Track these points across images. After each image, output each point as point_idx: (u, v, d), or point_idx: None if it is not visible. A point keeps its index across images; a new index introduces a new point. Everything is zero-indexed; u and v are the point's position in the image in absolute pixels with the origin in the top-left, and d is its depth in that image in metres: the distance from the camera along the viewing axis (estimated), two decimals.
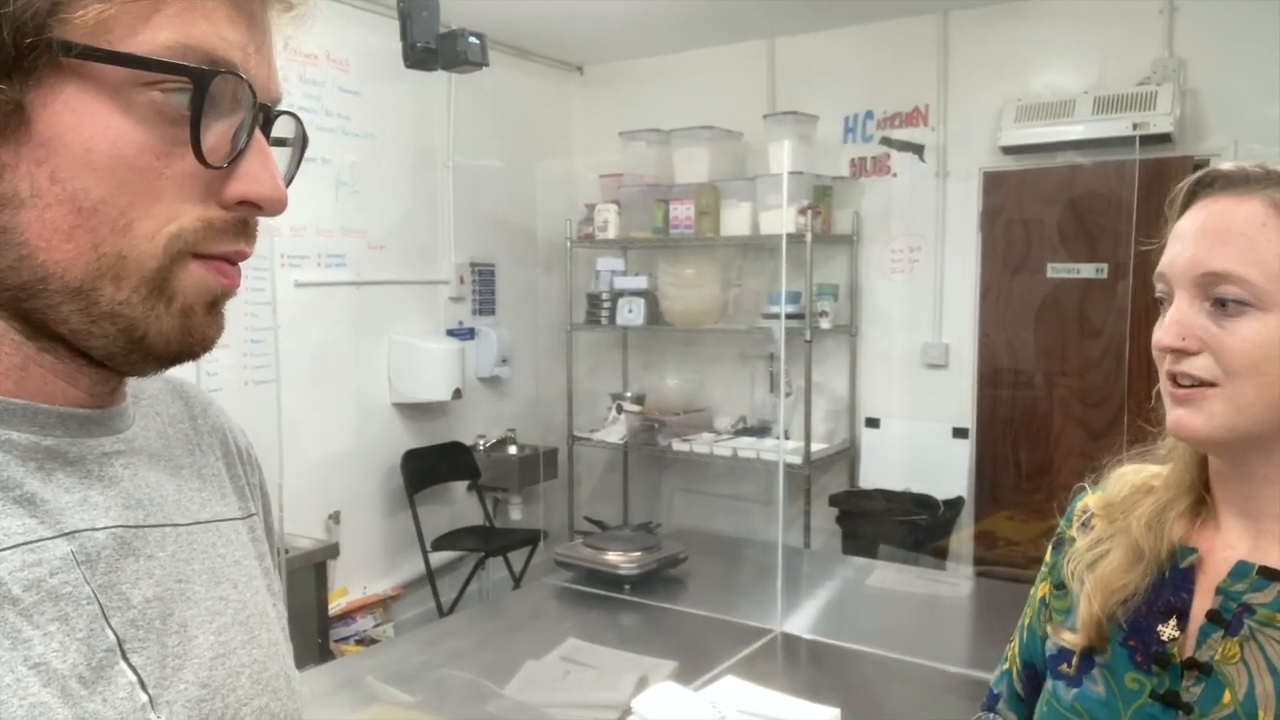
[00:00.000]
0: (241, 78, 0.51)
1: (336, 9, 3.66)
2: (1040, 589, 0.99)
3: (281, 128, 0.58)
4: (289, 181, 0.59)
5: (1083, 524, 0.95)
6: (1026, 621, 1.01)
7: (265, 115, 0.54)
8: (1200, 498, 0.87)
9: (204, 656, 0.55)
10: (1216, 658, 0.80)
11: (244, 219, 0.54)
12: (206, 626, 0.56)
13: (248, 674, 0.58)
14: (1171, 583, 0.85)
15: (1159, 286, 0.83)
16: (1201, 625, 0.82)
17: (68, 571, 0.49)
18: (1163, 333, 0.78)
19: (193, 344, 0.54)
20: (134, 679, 0.50)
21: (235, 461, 0.68)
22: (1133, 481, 0.92)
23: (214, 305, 0.55)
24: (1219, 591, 0.82)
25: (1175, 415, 0.80)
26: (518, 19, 4.06)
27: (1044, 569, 1.00)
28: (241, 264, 0.56)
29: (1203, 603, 0.83)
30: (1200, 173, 0.84)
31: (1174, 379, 0.80)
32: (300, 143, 0.61)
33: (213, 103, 0.50)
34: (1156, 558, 0.85)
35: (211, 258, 0.53)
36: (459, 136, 4.27)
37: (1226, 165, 0.82)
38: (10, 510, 0.48)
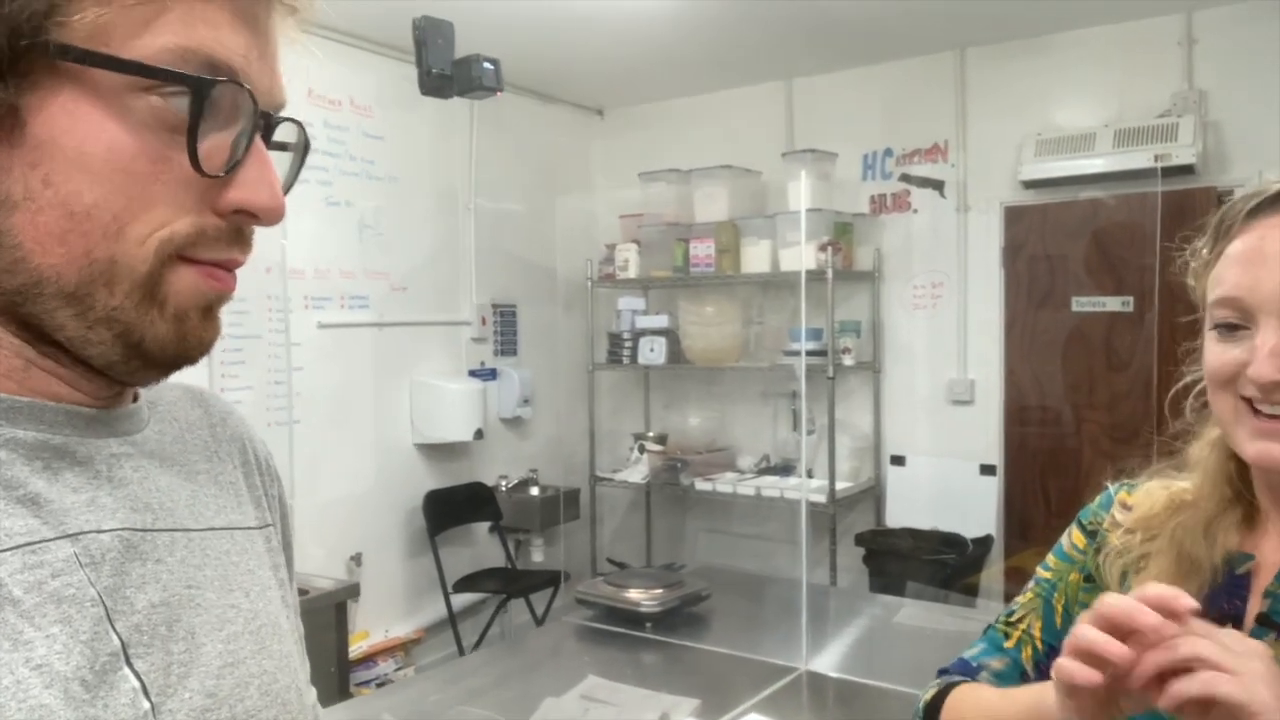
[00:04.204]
0: (242, 86, 0.50)
1: (360, 55, 3.73)
2: (1071, 575, 0.96)
3: (284, 132, 0.57)
4: (289, 188, 0.58)
5: (1115, 521, 0.92)
6: (1059, 604, 0.97)
7: (266, 122, 0.54)
8: (1250, 506, 0.85)
9: (211, 665, 0.53)
10: None
11: (239, 227, 0.54)
12: (215, 634, 0.55)
13: (256, 685, 0.56)
14: (1225, 590, 0.83)
15: (1224, 313, 0.78)
16: (1252, 630, 0.80)
17: (71, 573, 0.48)
18: (1260, 365, 0.74)
19: (189, 348, 0.53)
20: (137, 685, 0.49)
21: (254, 471, 0.67)
22: (1162, 496, 0.90)
23: (209, 310, 0.54)
24: (1267, 594, 0.80)
25: (1266, 448, 0.75)
26: (539, 64, 4.13)
27: (1074, 552, 0.96)
28: (239, 272, 0.56)
29: (1255, 607, 0.81)
30: (1272, 188, 0.80)
31: (1254, 406, 0.76)
32: (302, 149, 0.60)
33: (212, 110, 0.49)
34: (1212, 567, 0.83)
35: (202, 263, 0.52)
36: (481, 179, 4.32)
37: None
38: (13, 510, 0.48)
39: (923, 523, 3.98)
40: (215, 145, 0.51)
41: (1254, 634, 0.79)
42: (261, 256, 3.31)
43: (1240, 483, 0.85)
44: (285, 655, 0.60)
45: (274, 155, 0.56)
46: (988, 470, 3.97)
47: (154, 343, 0.51)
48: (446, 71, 2.07)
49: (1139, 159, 3.50)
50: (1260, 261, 0.76)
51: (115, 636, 0.49)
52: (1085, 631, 0.68)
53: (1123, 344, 3.68)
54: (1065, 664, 0.69)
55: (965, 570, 3.74)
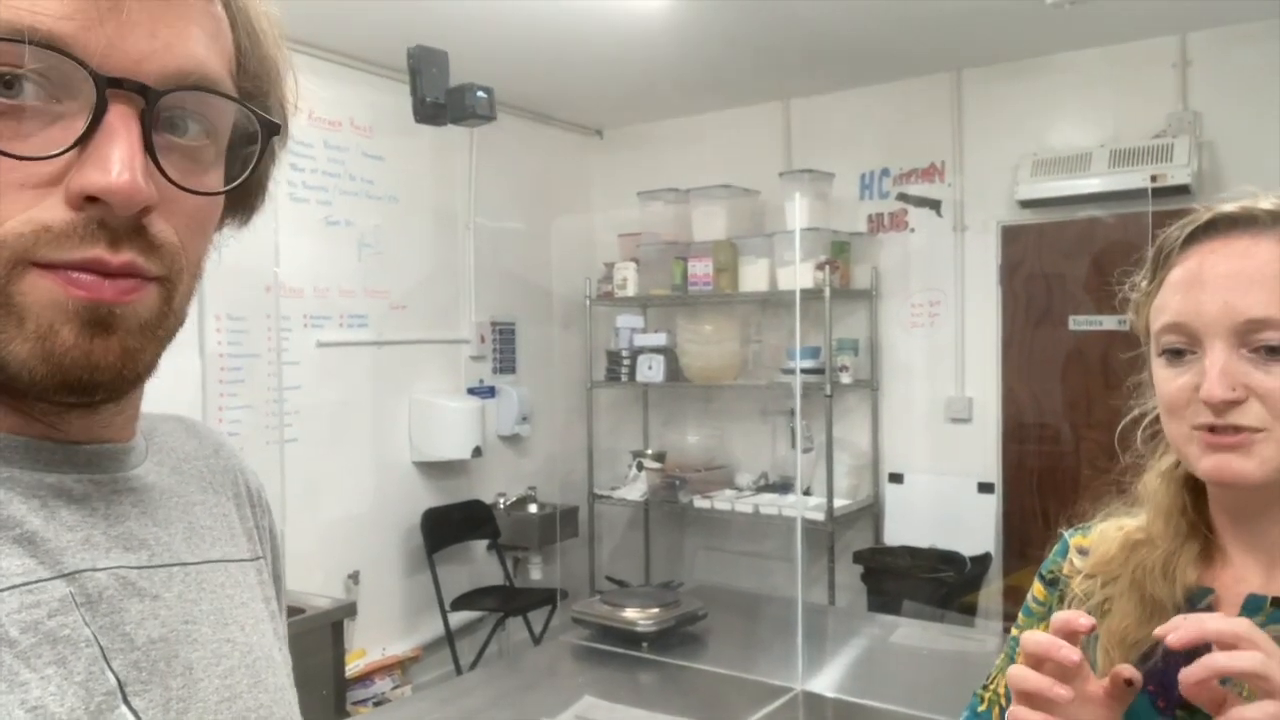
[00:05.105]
0: (55, 48, 0.43)
1: (360, 77, 3.76)
2: (1036, 628, 0.95)
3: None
4: (242, 179, 0.54)
5: (1073, 567, 0.92)
6: (1020, 659, 0.98)
7: (146, 96, 0.46)
8: (1205, 539, 0.85)
9: (209, 700, 0.53)
10: (1244, 695, 0.77)
11: (101, 219, 0.45)
12: (213, 669, 0.54)
13: (254, 719, 0.56)
14: None
15: (1171, 339, 0.80)
16: None
17: (66, 613, 0.48)
18: (1210, 385, 0.75)
19: (66, 370, 0.47)
20: None
21: (245, 503, 0.67)
22: (1117, 538, 0.90)
23: (99, 325, 0.47)
24: None
25: (1220, 461, 0.76)
26: (539, 85, 4.16)
27: (1035, 606, 0.97)
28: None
29: None
30: (1203, 215, 0.81)
31: (1211, 428, 0.77)
32: (259, 136, 0.53)
33: (13, 81, 0.44)
34: (1174, 606, 0.83)
35: (58, 267, 0.45)
36: (480, 198, 4.34)
37: (1228, 206, 0.80)
38: (9, 550, 0.47)
39: (921, 541, 3.98)
40: (40, 122, 0.45)
41: None
42: (260, 275, 3.32)
43: (1195, 513, 0.86)
44: (280, 689, 0.60)
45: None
46: (986, 488, 3.97)
47: (17, 366, 0.46)
48: (440, 100, 2.09)
49: (1134, 179, 3.51)
50: (1200, 286, 0.78)
51: (111, 675, 0.48)
52: (1024, 674, 0.71)
53: (1120, 363, 3.69)
54: (1017, 712, 0.72)
55: (963, 589, 3.73)
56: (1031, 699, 0.71)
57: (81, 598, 0.49)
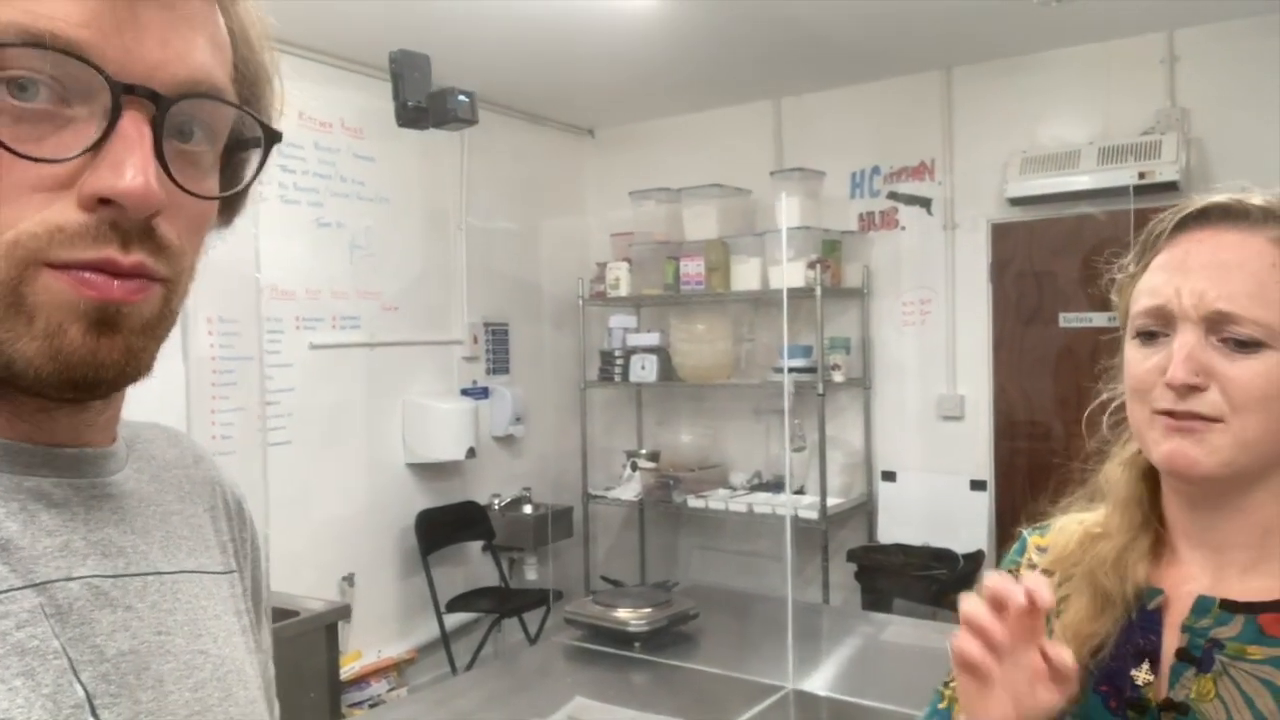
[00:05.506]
0: (73, 54, 0.45)
1: (350, 78, 3.76)
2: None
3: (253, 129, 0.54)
4: (245, 186, 0.55)
5: (1030, 565, 0.93)
6: None
7: (157, 102, 0.47)
8: (1156, 534, 0.85)
9: (179, 713, 0.53)
10: (1192, 696, 0.78)
11: (112, 220, 0.47)
12: (184, 682, 0.54)
13: None
14: (1139, 625, 0.83)
15: (1145, 321, 0.80)
16: (1172, 665, 0.80)
17: (35, 625, 0.47)
18: (1174, 369, 0.75)
19: (73, 367, 0.48)
20: None
21: (222, 516, 0.67)
22: (1076, 531, 0.90)
23: (105, 324, 0.48)
24: (1184, 629, 0.80)
25: (1172, 447, 0.77)
26: (531, 85, 4.16)
27: None
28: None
29: (1171, 641, 0.81)
30: (1197, 202, 0.81)
31: (1171, 413, 0.77)
32: (258, 142, 0.55)
33: (23, 84, 0.45)
34: (1124, 601, 0.83)
35: (71, 267, 0.47)
36: (472, 199, 4.34)
37: (1222, 197, 0.80)
38: None
39: (914, 538, 3.99)
40: (52, 126, 0.46)
41: (1174, 669, 0.80)
42: (252, 278, 3.32)
43: (1149, 506, 0.86)
44: (251, 702, 0.60)
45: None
46: (978, 486, 3.99)
47: (24, 364, 0.47)
48: (422, 104, 2.09)
49: (1123, 176, 3.53)
50: (1183, 272, 0.78)
51: (80, 688, 0.48)
52: (974, 607, 0.74)
53: (1111, 361, 3.70)
54: (959, 642, 0.76)
55: (956, 586, 3.74)
56: (980, 632, 0.75)
57: (52, 609, 0.49)
